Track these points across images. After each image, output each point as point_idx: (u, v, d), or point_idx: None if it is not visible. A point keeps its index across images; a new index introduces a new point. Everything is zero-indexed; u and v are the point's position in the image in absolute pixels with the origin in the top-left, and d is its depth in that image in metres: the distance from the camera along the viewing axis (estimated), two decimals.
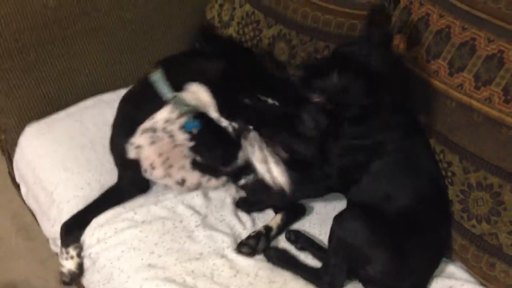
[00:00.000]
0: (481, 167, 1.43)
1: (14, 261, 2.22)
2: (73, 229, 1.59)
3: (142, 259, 1.48)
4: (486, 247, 1.44)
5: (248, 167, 1.63)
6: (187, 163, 1.62)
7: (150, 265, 1.46)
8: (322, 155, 1.52)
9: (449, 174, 1.51)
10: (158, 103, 1.52)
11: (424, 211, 1.48)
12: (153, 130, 1.55)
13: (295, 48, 1.77)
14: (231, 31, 1.93)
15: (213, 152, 1.61)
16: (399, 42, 1.59)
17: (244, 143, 1.53)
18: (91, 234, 1.57)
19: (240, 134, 1.53)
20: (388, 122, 1.51)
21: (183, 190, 1.67)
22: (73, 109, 1.96)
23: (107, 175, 1.72)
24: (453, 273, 1.52)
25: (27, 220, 2.25)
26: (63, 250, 1.57)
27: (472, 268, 1.49)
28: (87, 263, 1.57)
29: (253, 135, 1.50)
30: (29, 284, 2.16)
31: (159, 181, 1.68)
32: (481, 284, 1.48)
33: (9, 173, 2.04)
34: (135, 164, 1.62)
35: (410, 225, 1.45)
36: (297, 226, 1.65)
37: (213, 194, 1.69)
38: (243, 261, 1.49)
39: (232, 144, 1.65)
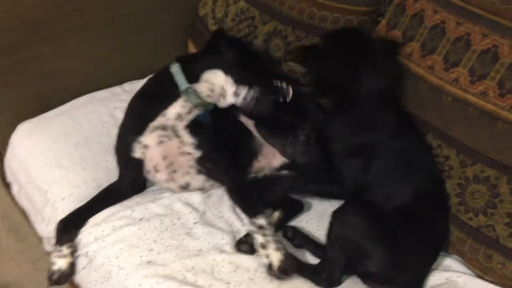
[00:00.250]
0: (477, 160, 1.45)
1: (5, 262, 2.18)
2: (69, 227, 1.57)
3: (141, 256, 1.47)
4: (483, 239, 1.46)
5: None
6: (192, 170, 1.62)
7: (149, 262, 1.45)
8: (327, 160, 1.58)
9: (446, 168, 1.53)
10: (170, 99, 1.55)
11: (422, 206, 1.49)
12: (163, 128, 1.56)
13: (291, 45, 1.78)
14: (225, 28, 1.93)
15: (220, 165, 1.61)
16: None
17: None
18: (88, 233, 1.56)
19: (260, 104, 1.55)
20: (380, 120, 1.54)
21: (184, 192, 1.67)
22: (65, 107, 1.94)
23: (103, 174, 1.71)
24: (450, 266, 1.53)
25: (16, 220, 2.22)
26: (57, 248, 1.54)
27: (469, 261, 1.51)
28: (83, 261, 1.55)
29: None
30: (21, 285, 2.12)
31: (162, 185, 1.66)
32: (478, 276, 1.50)
33: None
34: (139, 165, 1.61)
35: (408, 220, 1.46)
36: (295, 222, 1.65)
37: (210, 192, 1.68)
38: (243, 257, 1.49)
39: (240, 153, 1.67)
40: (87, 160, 1.74)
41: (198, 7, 2.10)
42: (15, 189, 1.87)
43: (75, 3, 1.92)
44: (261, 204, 1.53)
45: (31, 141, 1.81)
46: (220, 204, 1.64)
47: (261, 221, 1.47)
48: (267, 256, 1.44)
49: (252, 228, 1.48)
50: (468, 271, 1.51)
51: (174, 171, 1.61)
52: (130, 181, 1.66)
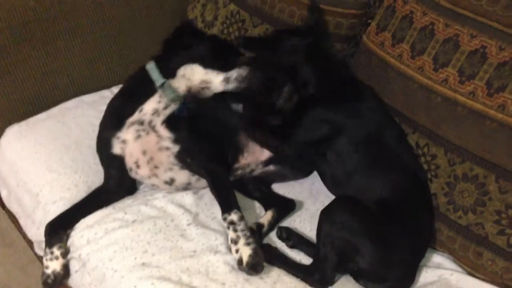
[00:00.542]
0: (466, 159, 1.48)
1: None
2: (58, 228, 1.56)
3: (135, 258, 1.47)
4: (472, 237, 1.49)
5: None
6: (175, 166, 1.62)
7: (144, 264, 1.45)
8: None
9: (433, 167, 1.55)
10: (146, 95, 1.59)
11: (404, 201, 1.52)
12: (140, 122, 1.58)
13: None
14: (215, 30, 1.94)
15: (198, 159, 1.61)
16: None
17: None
18: (80, 235, 1.55)
19: (252, 80, 1.57)
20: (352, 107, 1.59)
21: (171, 190, 1.67)
22: (54, 111, 1.93)
23: (94, 177, 1.70)
24: (442, 263, 1.56)
25: (3, 226, 2.20)
26: (47, 250, 1.54)
27: (460, 258, 1.53)
28: (76, 265, 1.54)
29: None
30: None
31: (146, 181, 1.67)
32: (469, 273, 1.52)
33: None
34: (121, 163, 1.62)
35: (392, 215, 1.48)
36: (288, 222, 1.67)
37: (202, 192, 1.69)
38: None
39: (223, 148, 1.67)
40: (78, 163, 1.73)
41: (187, 10, 2.10)
42: (3, 193, 1.84)
43: (63, 6, 1.92)
44: (236, 200, 1.54)
45: (20, 144, 1.79)
46: (212, 205, 1.64)
47: (233, 217, 1.48)
48: (237, 251, 1.45)
49: (224, 224, 1.50)
50: (460, 269, 1.54)
51: (156, 167, 1.61)
52: (116, 181, 1.66)
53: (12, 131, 1.84)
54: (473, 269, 1.51)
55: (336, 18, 1.72)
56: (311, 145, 1.60)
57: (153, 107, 1.58)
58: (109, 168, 1.66)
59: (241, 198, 1.68)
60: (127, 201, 1.65)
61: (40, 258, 1.72)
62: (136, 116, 1.59)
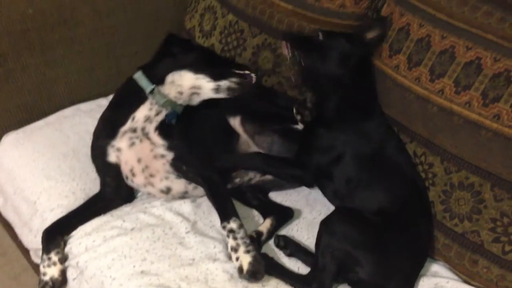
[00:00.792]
0: (462, 168, 1.50)
1: None
2: (55, 234, 1.56)
3: (134, 266, 1.47)
4: (468, 244, 1.51)
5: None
6: (171, 175, 1.63)
7: (143, 272, 1.45)
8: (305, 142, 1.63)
9: (430, 175, 1.57)
10: (137, 103, 1.61)
11: (404, 211, 1.54)
12: (133, 130, 1.60)
13: (281, 57, 1.81)
14: (213, 40, 1.96)
15: (194, 166, 1.62)
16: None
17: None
18: (78, 243, 1.55)
19: (245, 87, 1.60)
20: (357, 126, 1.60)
21: (168, 198, 1.68)
22: (51, 118, 1.94)
23: (92, 184, 1.70)
24: (438, 272, 1.57)
25: None
26: (45, 257, 1.53)
27: (456, 266, 1.55)
28: (74, 273, 1.53)
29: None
30: None
31: (142, 189, 1.67)
32: (465, 281, 1.54)
33: None
34: (116, 170, 1.63)
35: (392, 225, 1.50)
36: (285, 231, 1.67)
37: (200, 201, 1.69)
38: None
39: (217, 153, 1.69)
40: (75, 171, 1.73)
41: (185, 20, 2.12)
42: None
43: (61, 14, 1.93)
44: (234, 208, 1.54)
45: (17, 152, 1.79)
46: (210, 213, 1.65)
47: (232, 225, 1.49)
48: (237, 259, 1.45)
49: (224, 232, 1.50)
50: (455, 277, 1.55)
51: (151, 175, 1.62)
52: (113, 188, 1.66)
53: (9, 138, 1.84)
54: (469, 277, 1.52)
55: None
56: (327, 167, 1.60)
57: (145, 114, 1.60)
58: (105, 176, 1.67)
59: (239, 207, 1.68)
60: (125, 209, 1.65)
61: (35, 267, 1.71)
62: (129, 124, 1.60)
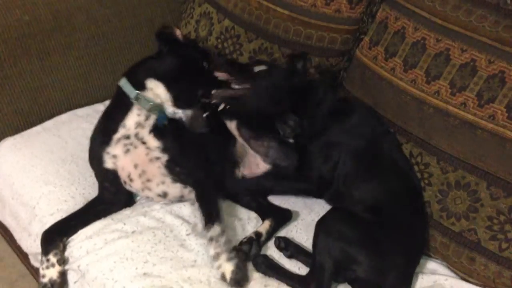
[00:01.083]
0: (458, 167, 1.53)
1: None
2: (54, 236, 1.56)
3: (136, 268, 1.47)
4: (465, 243, 1.54)
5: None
6: (167, 179, 1.63)
7: (145, 274, 1.45)
8: (302, 159, 1.66)
9: (426, 175, 1.61)
10: (125, 110, 1.63)
11: (399, 209, 1.57)
12: (126, 137, 1.61)
13: (277, 61, 1.84)
14: (210, 45, 1.97)
15: (186, 168, 1.63)
16: None
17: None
18: (79, 246, 1.54)
19: (196, 123, 1.63)
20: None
21: (166, 202, 1.68)
22: (48, 124, 1.93)
23: (91, 189, 1.70)
24: (436, 269, 1.60)
25: None
26: (44, 258, 1.53)
27: (453, 264, 1.58)
28: (75, 276, 1.53)
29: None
30: None
31: (141, 194, 1.68)
32: (463, 278, 1.56)
33: None
34: (114, 176, 1.63)
35: (387, 223, 1.52)
36: (284, 232, 1.68)
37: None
38: None
39: (213, 156, 1.70)
40: (74, 175, 1.73)
41: (180, 26, 2.14)
42: None
43: (58, 21, 1.94)
44: (218, 213, 1.53)
45: (15, 157, 1.78)
46: None
47: (213, 232, 1.48)
48: (219, 267, 1.45)
49: (204, 240, 1.50)
50: (454, 274, 1.58)
51: (148, 180, 1.63)
52: (111, 193, 1.66)
53: (7, 144, 1.83)
54: (467, 274, 1.55)
55: (330, 34, 1.77)
56: (328, 173, 1.66)
57: (135, 121, 1.61)
58: (103, 182, 1.67)
59: (238, 209, 1.71)
60: (125, 212, 1.65)
61: (34, 272, 1.70)
62: (121, 132, 1.62)
